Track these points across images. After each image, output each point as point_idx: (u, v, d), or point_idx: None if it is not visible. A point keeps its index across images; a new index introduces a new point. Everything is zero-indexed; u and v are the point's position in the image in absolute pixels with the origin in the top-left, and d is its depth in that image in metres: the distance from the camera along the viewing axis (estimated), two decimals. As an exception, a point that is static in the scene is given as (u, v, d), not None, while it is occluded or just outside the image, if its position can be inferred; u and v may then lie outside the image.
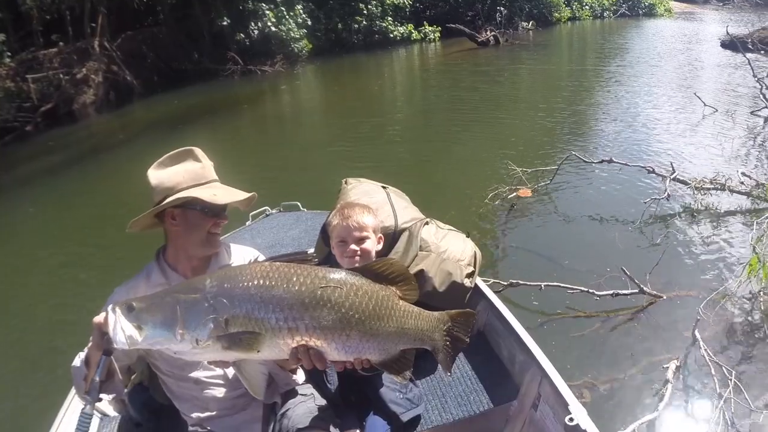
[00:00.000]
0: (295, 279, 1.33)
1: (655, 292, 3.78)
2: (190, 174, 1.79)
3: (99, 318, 1.45)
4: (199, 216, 1.75)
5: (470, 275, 2.49)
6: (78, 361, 1.68)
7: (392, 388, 2.01)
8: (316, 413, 1.80)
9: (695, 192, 5.25)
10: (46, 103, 13.00)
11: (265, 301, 1.31)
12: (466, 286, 2.45)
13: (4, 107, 12.00)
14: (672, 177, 5.37)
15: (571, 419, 1.79)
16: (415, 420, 2.06)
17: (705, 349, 3.14)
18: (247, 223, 4.08)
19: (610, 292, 3.77)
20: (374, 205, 2.31)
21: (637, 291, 3.76)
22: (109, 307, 1.31)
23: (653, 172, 5.61)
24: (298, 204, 4.32)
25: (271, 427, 1.84)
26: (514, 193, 5.64)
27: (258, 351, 1.33)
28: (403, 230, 2.48)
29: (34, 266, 5.59)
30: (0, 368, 3.90)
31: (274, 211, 4.28)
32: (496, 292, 2.66)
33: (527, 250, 4.63)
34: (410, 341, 1.43)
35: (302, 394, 1.90)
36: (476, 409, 2.19)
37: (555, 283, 3.82)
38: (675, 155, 6.60)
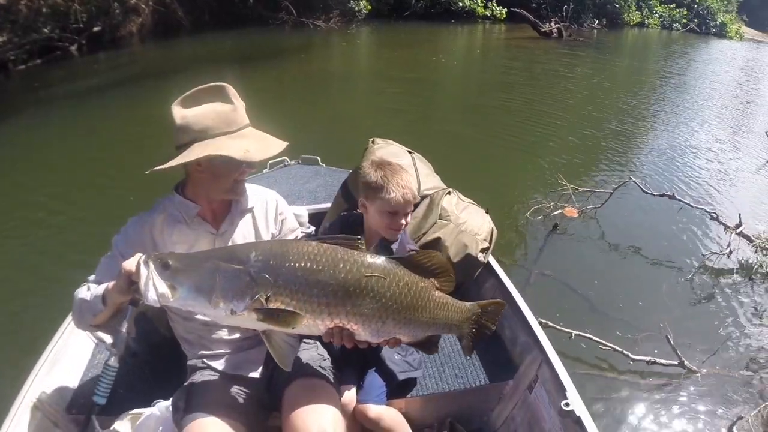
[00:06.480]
0: (341, 265, 1.34)
1: (695, 368, 3.34)
2: (220, 117, 1.65)
3: (129, 265, 1.39)
4: (226, 166, 1.65)
5: (485, 250, 2.53)
6: (88, 294, 1.58)
7: (392, 349, 1.98)
8: (318, 362, 1.80)
9: (757, 251, 4.67)
10: (92, 26, 12.90)
11: (310, 285, 1.32)
12: (479, 261, 2.49)
13: (50, 25, 11.90)
14: (738, 231, 4.76)
15: (567, 404, 1.81)
16: (411, 383, 2.10)
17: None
18: (264, 171, 4.04)
19: (647, 358, 3.33)
20: None
21: (676, 363, 3.32)
22: (142, 260, 1.29)
23: (717, 219, 4.98)
24: (318, 158, 4.25)
25: (271, 369, 1.79)
26: (559, 211, 5.13)
27: (293, 328, 1.35)
28: (425, 197, 2.51)
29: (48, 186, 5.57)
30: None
31: (292, 162, 4.23)
32: None
33: (563, 282, 4.17)
34: (439, 329, 1.53)
35: (306, 342, 1.87)
36: (472, 383, 2.24)
37: (587, 335, 3.39)
38: (742, 204, 5.82)
